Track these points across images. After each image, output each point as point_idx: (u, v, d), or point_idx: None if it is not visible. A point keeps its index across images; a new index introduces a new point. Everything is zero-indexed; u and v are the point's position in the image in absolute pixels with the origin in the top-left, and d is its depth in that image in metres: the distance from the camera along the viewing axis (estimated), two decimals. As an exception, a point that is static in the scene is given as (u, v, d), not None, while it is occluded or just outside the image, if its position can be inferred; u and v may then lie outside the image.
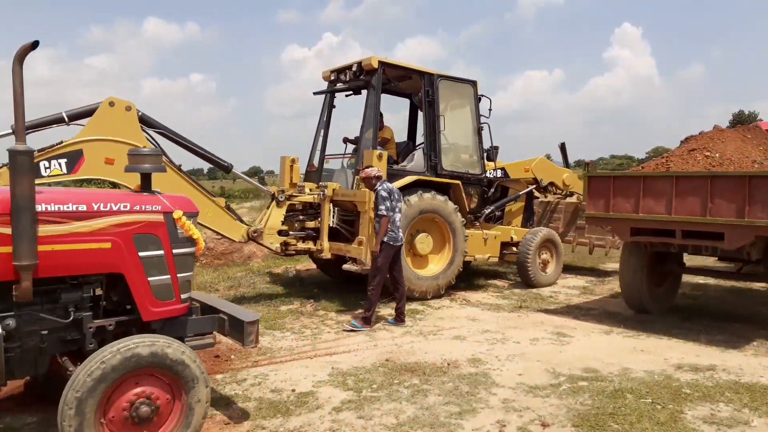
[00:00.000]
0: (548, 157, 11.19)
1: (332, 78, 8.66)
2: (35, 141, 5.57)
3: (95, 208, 3.41)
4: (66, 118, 5.83)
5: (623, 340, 6.14)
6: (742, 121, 72.66)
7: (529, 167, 10.00)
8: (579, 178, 10.57)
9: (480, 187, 9.08)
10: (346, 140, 9.12)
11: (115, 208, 3.49)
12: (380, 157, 7.47)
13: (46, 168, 5.65)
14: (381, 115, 8.45)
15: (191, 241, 3.78)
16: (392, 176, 7.69)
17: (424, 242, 8.05)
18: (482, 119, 8.86)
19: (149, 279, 3.58)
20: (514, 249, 9.40)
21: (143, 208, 3.61)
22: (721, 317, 7.07)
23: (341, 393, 4.58)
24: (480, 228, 8.99)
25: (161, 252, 3.63)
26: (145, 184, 3.87)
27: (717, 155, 6.69)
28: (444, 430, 3.89)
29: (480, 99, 8.88)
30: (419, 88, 8.52)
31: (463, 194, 8.54)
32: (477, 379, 4.89)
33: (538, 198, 10.54)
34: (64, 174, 5.81)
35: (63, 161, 5.79)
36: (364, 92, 8.31)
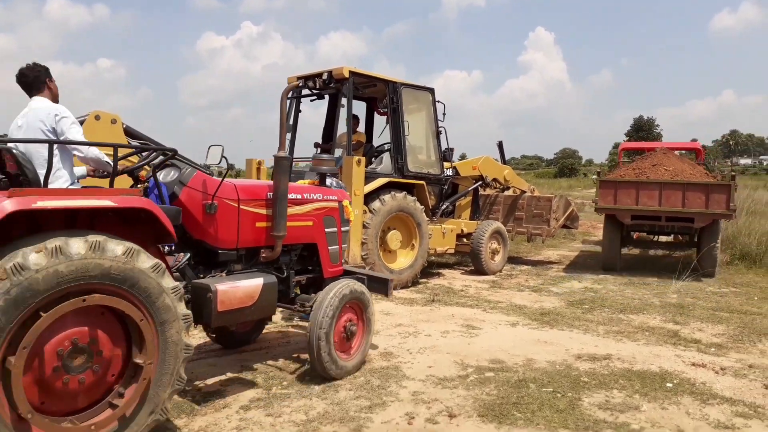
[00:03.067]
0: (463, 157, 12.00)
1: (299, 84, 8.88)
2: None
3: (304, 197, 4.86)
4: None
5: (528, 332, 6.40)
6: (641, 125, 77.68)
7: (476, 165, 10.71)
8: (517, 175, 11.90)
9: (439, 185, 9.79)
10: (317, 145, 9.69)
11: (314, 197, 4.97)
12: (359, 162, 7.94)
13: None
14: (357, 119, 9.09)
15: (348, 222, 5.39)
16: (366, 179, 8.17)
17: (394, 238, 8.65)
18: (439, 123, 9.34)
19: (329, 248, 5.07)
20: (465, 240, 10.34)
21: (328, 198, 5.10)
22: (619, 309, 7.51)
23: (250, 391, 4.48)
24: (438, 223, 9.67)
25: (335, 229, 5.12)
26: (322, 181, 5.33)
27: (671, 168, 10.15)
28: (353, 425, 3.88)
29: (436, 105, 9.47)
30: (382, 94, 9.07)
31: (427, 193, 9.18)
32: (388, 372, 4.93)
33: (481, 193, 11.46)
34: None
35: None
36: (327, 97, 9.28)
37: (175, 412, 4.03)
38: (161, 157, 4.09)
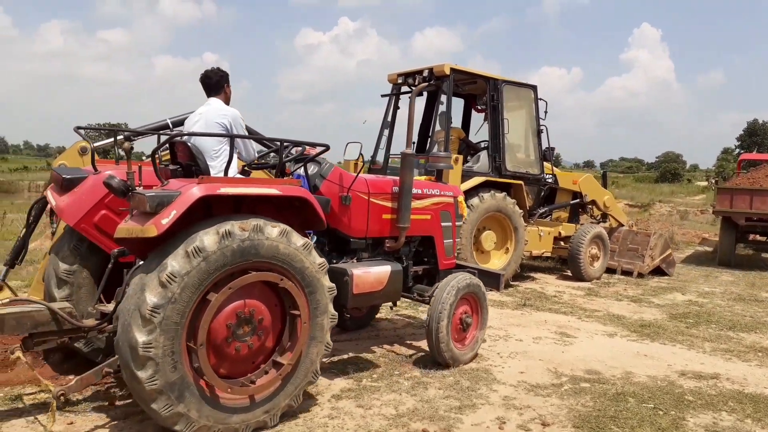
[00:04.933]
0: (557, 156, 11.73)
1: (399, 81, 8.98)
2: (143, 146, 5.74)
3: (424, 192, 5.14)
4: (170, 125, 6.14)
5: (627, 343, 6.10)
6: (755, 130, 71.91)
7: (577, 181, 10.44)
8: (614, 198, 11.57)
9: (537, 186, 9.56)
10: (414, 144, 9.68)
11: (433, 192, 5.24)
12: (456, 160, 7.91)
13: None
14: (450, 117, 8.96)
15: (461, 217, 5.59)
16: (461, 177, 8.14)
17: (488, 239, 8.49)
18: (540, 122, 9.22)
19: (444, 241, 5.32)
20: (563, 243, 10.06)
21: (445, 193, 5.36)
22: (727, 326, 7.01)
23: (341, 381, 4.56)
24: (535, 224, 9.45)
25: (450, 223, 5.36)
26: (438, 177, 5.62)
27: None
28: (443, 424, 3.86)
29: (538, 102, 9.30)
30: (481, 91, 8.97)
31: (524, 193, 9.00)
32: (478, 374, 4.86)
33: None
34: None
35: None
36: (425, 94, 9.26)
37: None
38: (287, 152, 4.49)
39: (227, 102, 4.56)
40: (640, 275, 10.32)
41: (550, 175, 9.80)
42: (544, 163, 9.50)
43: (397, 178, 4.94)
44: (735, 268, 11.81)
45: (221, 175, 3.94)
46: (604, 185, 11.50)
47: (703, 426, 4.03)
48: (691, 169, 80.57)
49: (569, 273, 10.05)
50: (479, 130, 9.80)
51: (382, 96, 9.39)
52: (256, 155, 4.52)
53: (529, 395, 4.47)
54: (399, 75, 8.94)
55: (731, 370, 5.31)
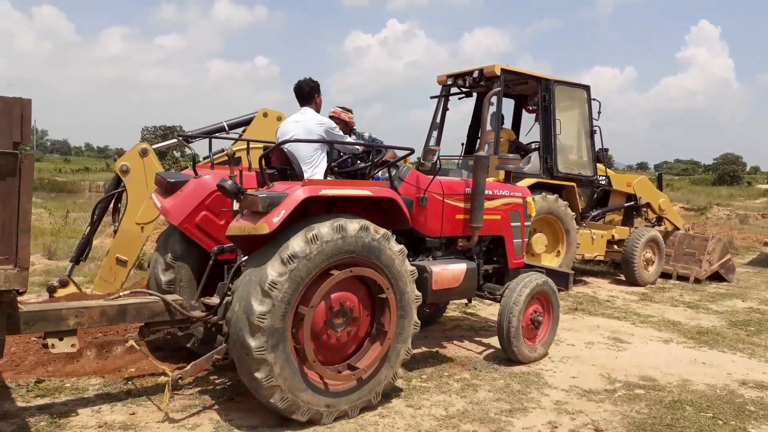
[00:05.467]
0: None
1: (448, 82, 9.00)
2: (199, 148, 6.05)
3: (494, 193, 5.30)
4: (226, 127, 6.40)
5: (683, 350, 5.92)
6: (823, 130, 68.20)
7: (632, 183, 10.19)
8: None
9: (590, 188, 9.36)
10: (464, 145, 9.67)
11: (503, 193, 5.40)
12: None
13: None
14: (503, 117, 8.86)
15: (530, 217, 5.69)
16: (512, 178, 7.97)
17: (539, 242, 8.34)
18: (594, 122, 9.04)
19: (514, 240, 5.46)
20: (616, 247, 9.84)
21: (514, 194, 5.52)
22: (792, 335, 6.71)
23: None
24: (587, 227, 9.26)
25: (519, 223, 5.50)
26: (507, 178, 5.96)
27: None
28: (494, 427, 3.84)
29: (591, 102, 9.13)
30: (533, 91, 8.87)
31: (577, 196, 8.86)
32: (529, 378, 4.81)
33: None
34: None
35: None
36: (474, 95, 9.21)
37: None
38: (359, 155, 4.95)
39: (318, 110, 4.85)
40: (697, 281, 9.98)
41: (604, 177, 9.56)
42: (598, 164, 9.29)
43: (469, 179, 5.18)
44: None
45: (319, 177, 4.37)
46: (660, 188, 11.19)
47: (765, 437, 3.88)
48: (752, 171, 77.13)
49: (622, 277, 9.81)
50: (530, 131, 9.68)
51: (432, 98, 9.39)
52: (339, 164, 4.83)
53: (582, 400, 4.41)
54: (448, 76, 8.92)
55: (796, 381, 5.08)
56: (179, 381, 3.68)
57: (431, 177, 4.78)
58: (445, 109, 9.34)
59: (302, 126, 4.62)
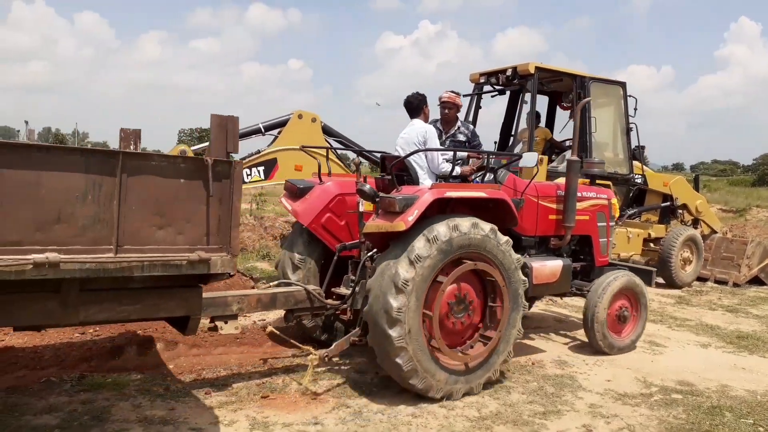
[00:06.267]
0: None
1: (481, 80, 8.95)
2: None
3: (583, 195, 5.65)
4: (262, 129, 6.58)
5: (722, 355, 5.80)
6: None
7: (668, 183, 10.03)
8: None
9: (626, 186, 9.22)
10: (497, 144, 9.53)
11: (590, 195, 5.79)
12: (540, 160, 7.68)
13: (248, 175, 6.43)
14: (538, 115, 8.75)
15: (614, 218, 6.06)
16: (546, 177, 7.91)
17: None
18: (630, 119, 8.87)
19: (600, 240, 5.82)
20: (653, 245, 9.65)
21: (600, 196, 5.90)
22: (836, 341, 6.50)
23: (424, 381, 4.60)
24: (623, 226, 9.09)
25: (605, 223, 5.85)
26: (592, 181, 6.36)
27: None
28: (527, 429, 3.83)
29: (627, 99, 8.93)
30: (567, 88, 8.75)
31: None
32: (563, 381, 4.77)
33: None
34: (262, 180, 6.72)
35: (261, 168, 6.86)
36: (508, 93, 9.10)
37: (356, 392, 4.30)
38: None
39: (426, 120, 5.46)
40: (736, 285, 9.74)
41: (640, 176, 9.40)
42: (634, 162, 9.14)
43: (560, 182, 5.67)
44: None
45: (430, 182, 5.00)
46: (696, 188, 10.94)
47: (809, 446, 3.78)
48: (794, 172, 74.78)
49: (659, 278, 9.63)
50: (564, 129, 9.55)
51: (465, 96, 9.36)
52: (441, 165, 5.18)
53: (617, 404, 4.35)
54: (481, 74, 8.86)
55: (841, 389, 4.93)
56: (326, 359, 4.29)
57: (528, 181, 5.18)
58: (478, 107, 9.29)
59: (408, 138, 5.26)
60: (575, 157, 5.48)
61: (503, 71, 8.35)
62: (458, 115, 5.93)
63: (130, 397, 4.03)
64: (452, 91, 5.79)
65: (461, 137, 5.84)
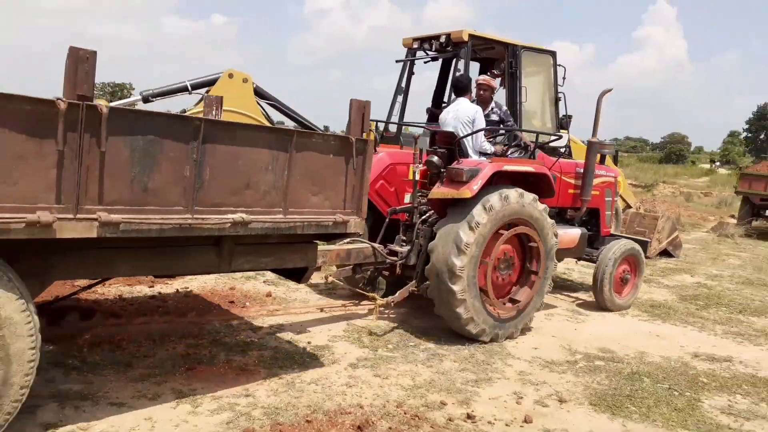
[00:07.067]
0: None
1: (414, 46, 8.68)
2: (160, 107, 5.83)
3: (595, 173, 6.28)
4: (189, 87, 6.08)
5: (639, 323, 6.10)
6: (765, 114, 71.15)
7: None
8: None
9: (556, 156, 9.28)
10: (429, 110, 9.27)
11: (600, 173, 6.51)
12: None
13: None
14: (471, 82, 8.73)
15: (618, 194, 6.90)
16: None
17: None
18: (559, 89, 8.93)
19: (606, 213, 6.61)
20: None
21: (608, 174, 6.73)
22: (737, 309, 7.00)
23: (357, 350, 4.56)
24: None
25: (611, 199, 6.67)
26: (602, 161, 6.74)
27: None
28: (461, 397, 3.86)
29: (557, 69, 8.98)
30: (499, 56, 8.64)
31: None
32: (492, 349, 4.86)
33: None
34: None
35: None
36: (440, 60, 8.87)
37: (287, 362, 4.18)
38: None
39: (471, 100, 5.84)
40: (647, 257, 10.28)
41: (565, 147, 9.69)
42: (562, 131, 9.37)
43: (572, 161, 6.42)
44: (742, 252, 11.91)
45: (476, 157, 5.33)
46: (615, 163, 11.39)
47: (718, 408, 4.03)
48: (696, 151, 79.96)
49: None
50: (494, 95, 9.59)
51: (397, 61, 9.18)
52: (483, 143, 5.49)
53: (545, 371, 4.48)
54: (414, 39, 8.67)
55: (743, 354, 5.30)
56: (391, 304, 5.04)
57: (555, 158, 5.91)
58: (411, 73, 9.16)
59: (456, 115, 5.52)
60: (595, 139, 6.21)
61: (437, 37, 8.23)
62: (492, 96, 6.40)
63: (41, 370, 3.71)
64: (488, 73, 6.49)
65: (494, 117, 6.23)
